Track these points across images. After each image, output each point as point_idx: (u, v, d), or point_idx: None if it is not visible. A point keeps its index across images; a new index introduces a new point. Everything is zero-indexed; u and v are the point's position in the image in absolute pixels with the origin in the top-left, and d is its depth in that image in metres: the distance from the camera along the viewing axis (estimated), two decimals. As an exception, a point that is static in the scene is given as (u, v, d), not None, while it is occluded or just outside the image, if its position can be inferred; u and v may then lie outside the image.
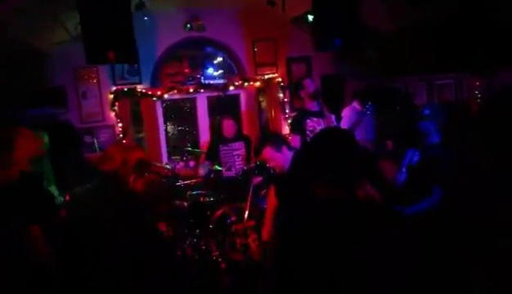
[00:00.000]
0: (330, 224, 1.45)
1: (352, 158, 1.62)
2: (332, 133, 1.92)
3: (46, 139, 3.36)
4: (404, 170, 3.25)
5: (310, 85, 4.20)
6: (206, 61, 6.18)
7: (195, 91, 5.76)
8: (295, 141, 4.04)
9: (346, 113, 4.81)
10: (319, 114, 4.15)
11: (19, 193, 2.26)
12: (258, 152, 3.19)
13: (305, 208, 1.63)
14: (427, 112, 3.13)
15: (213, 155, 4.94)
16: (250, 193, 4.17)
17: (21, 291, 2.19)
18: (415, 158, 3.17)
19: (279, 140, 3.09)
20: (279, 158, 2.98)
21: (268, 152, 2.99)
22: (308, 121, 4.07)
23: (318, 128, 4.03)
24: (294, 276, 1.48)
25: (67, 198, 3.20)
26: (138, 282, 1.91)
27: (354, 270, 1.39)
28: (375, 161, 3.04)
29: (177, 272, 3.52)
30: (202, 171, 4.90)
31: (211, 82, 5.89)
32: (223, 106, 6.09)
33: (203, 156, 5.19)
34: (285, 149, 3.01)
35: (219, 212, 4.43)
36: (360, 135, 4.37)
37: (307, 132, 4.04)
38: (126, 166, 2.06)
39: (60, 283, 2.11)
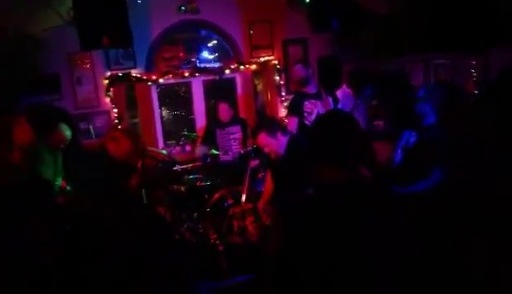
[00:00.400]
0: (334, 207, 1.45)
1: (354, 139, 1.62)
2: (334, 115, 1.92)
3: (68, 132, 3.25)
4: (399, 151, 3.28)
5: (298, 71, 4.20)
6: (201, 44, 6.12)
7: (191, 75, 5.72)
8: (292, 123, 4.06)
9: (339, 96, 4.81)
10: (316, 96, 4.16)
11: (20, 193, 2.26)
12: (254, 136, 3.20)
13: (307, 191, 1.63)
14: (421, 93, 3.11)
15: (209, 139, 4.95)
16: (247, 177, 4.21)
17: (21, 290, 2.19)
18: (412, 140, 3.19)
19: (273, 126, 3.09)
20: (273, 144, 3.00)
21: (263, 138, 3.00)
22: (306, 103, 4.09)
23: (316, 110, 4.04)
24: (294, 262, 1.49)
25: (63, 184, 3.20)
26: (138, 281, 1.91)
27: (356, 255, 1.39)
28: (370, 142, 3.04)
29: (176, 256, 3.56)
30: (199, 152, 4.91)
31: (206, 65, 5.84)
32: (219, 90, 6.06)
33: (199, 140, 5.19)
34: (279, 134, 3.02)
35: (216, 196, 4.47)
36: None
37: (305, 114, 4.05)
38: (135, 152, 2.03)
39: (61, 283, 2.12)
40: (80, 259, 2.00)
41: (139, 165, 2.09)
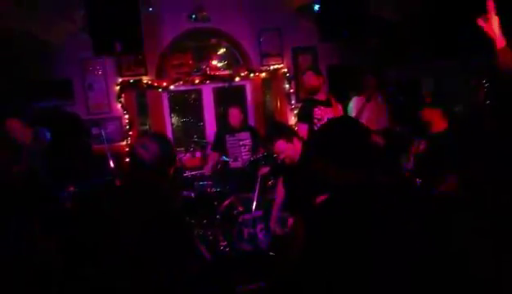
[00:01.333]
0: (356, 210, 1.43)
1: (369, 143, 1.62)
2: (344, 121, 1.91)
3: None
4: (412, 159, 3.27)
5: (309, 78, 4.17)
6: (211, 52, 6.17)
7: (201, 82, 5.76)
8: (302, 130, 4.04)
9: (352, 105, 4.80)
10: (326, 103, 4.15)
11: (19, 193, 2.26)
12: (267, 144, 3.19)
13: (334, 196, 1.60)
14: (428, 100, 3.12)
15: (219, 146, 4.94)
16: (258, 184, 4.19)
17: (22, 290, 2.19)
18: (422, 147, 3.18)
19: (290, 132, 3.10)
20: (291, 149, 3.00)
21: (281, 144, 3.00)
22: (316, 110, 4.07)
23: (326, 117, 4.03)
24: (320, 270, 1.46)
25: (71, 189, 3.19)
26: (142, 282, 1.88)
27: (383, 257, 1.37)
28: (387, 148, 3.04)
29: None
30: (209, 169, 4.88)
31: (216, 73, 5.88)
32: (229, 97, 6.07)
33: (209, 147, 5.20)
34: (295, 139, 3.02)
35: (226, 203, 4.45)
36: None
37: (315, 121, 4.04)
38: (166, 158, 1.98)
39: (61, 283, 2.12)
40: (81, 258, 2.00)
41: (171, 171, 2.06)
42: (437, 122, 3.11)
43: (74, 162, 3.53)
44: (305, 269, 1.49)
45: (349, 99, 4.90)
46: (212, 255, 4.04)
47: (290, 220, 3.09)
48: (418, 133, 3.33)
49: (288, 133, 3.04)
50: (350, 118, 2.35)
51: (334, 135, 1.61)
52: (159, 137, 2.13)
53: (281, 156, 3.03)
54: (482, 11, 2.34)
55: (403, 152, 3.43)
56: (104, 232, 1.94)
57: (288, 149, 2.99)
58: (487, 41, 2.35)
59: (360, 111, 4.38)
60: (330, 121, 2.02)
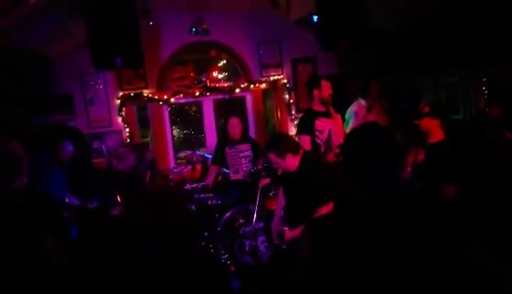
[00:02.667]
0: (366, 222, 1.44)
1: (396, 155, 1.64)
2: (376, 131, 1.91)
3: (70, 148, 3.33)
4: (409, 169, 3.25)
5: (328, 88, 4.15)
6: (211, 64, 6.20)
7: (201, 94, 5.79)
8: (305, 142, 3.97)
9: (355, 110, 4.79)
10: (326, 114, 4.12)
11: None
12: (263, 155, 3.21)
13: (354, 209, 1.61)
14: (427, 109, 3.11)
15: (220, 159, 4.92)
16: (258, 195, 4.17)
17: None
18: (420, 157, 3.17)
19: (281, 147, 3.04)
20: (281, 164, 3.00)
21: (273, 158, 3.03)
22: (317, 121, 4.03)
23: (327, 129, 4.00)
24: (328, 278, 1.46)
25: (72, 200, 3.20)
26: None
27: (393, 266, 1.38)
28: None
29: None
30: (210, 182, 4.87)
31: (217, 85, 5.91)
32: (229, 109, 6.10)
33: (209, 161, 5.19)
34: (289, 156, 3.00)
35: (227, 215, 4.42)
36: None
37: (316, 133, 4.00)
38: (142, 164, 2.04)
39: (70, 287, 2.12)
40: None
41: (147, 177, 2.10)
42: (436, 132, 3.11)
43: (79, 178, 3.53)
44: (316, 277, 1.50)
45: (346, 108, 4.90)
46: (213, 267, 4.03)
47: (287, 233, 3.07)
48: (415, 143, 3.32)
49: (279, 148, 3.02)
50: (381, 129, 2.31)
51: (362, 150, 1.62)
52: (135, 147, 2.18)
53: (275, 166, 3.06)
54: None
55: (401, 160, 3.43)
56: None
57: (279, 163, 3.01)
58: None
59: (364, 118, 4.36)
60: (360, 134, 2.01)
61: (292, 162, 2.99)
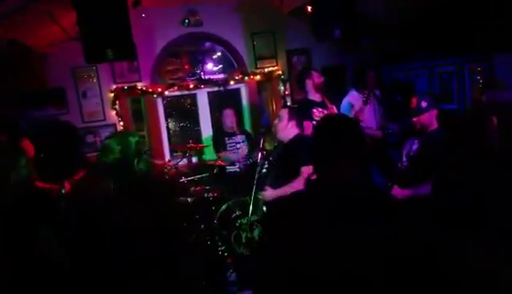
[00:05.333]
0: (327, 207, 1.46)
1: (362, 143, 1.65)
2: (338, 120, 1.92)
3: None
4: (404, 159, 3.25)
5: (318, 76, 4.21)
6: (205, 56, 6.16)
7: (196, 86, 5.74)
8: (309, 127, 3.93)
9: (351, 101, 4.78)
10: (322, 105, 4.14)
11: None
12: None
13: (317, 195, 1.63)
14: (424, 104, 3.08)
15: (219, 145, 4.89)
16: (254, 187, 4.16)
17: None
18: (415, 147, 3.17)
19: (298, 116, 3.35)
20: (283, 125, 3.26)
21: (284, 114, 3.31)
22: (314, 110, 4.07)
23: (323, 119, 4.00)
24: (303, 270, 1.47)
25: (68, 186, 3.17)
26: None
27: (350, 256, 1.38)
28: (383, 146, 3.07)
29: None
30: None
31: (211, 77, 5.87)
32: (224, 101, 6.06)
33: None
34: (292, 124, 3.26)
35: (224, 207, 4.43)
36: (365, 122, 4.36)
37: (314, 122, 4.00)
38: (128, 151, 2.02)
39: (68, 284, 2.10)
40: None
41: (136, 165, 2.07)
42: (433, 122, 3.10)
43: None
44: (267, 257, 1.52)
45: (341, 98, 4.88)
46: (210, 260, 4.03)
47: (268, 192, 3.33)
48: (411, 132, 3.32)
49: (296, 115, 3.31)
50: (344, 117, 2.33)
51: (323, 136, 1.63)
52: (120, 138, 2.15)
53: (275, 127, 3.33)
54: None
55: (396, 150, 3.43)
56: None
57: (281, 124, 3.26)
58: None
59: (360, 109, 4.33)
60: (325, 120, 2.03)
61: (291, 131, 3.24)
